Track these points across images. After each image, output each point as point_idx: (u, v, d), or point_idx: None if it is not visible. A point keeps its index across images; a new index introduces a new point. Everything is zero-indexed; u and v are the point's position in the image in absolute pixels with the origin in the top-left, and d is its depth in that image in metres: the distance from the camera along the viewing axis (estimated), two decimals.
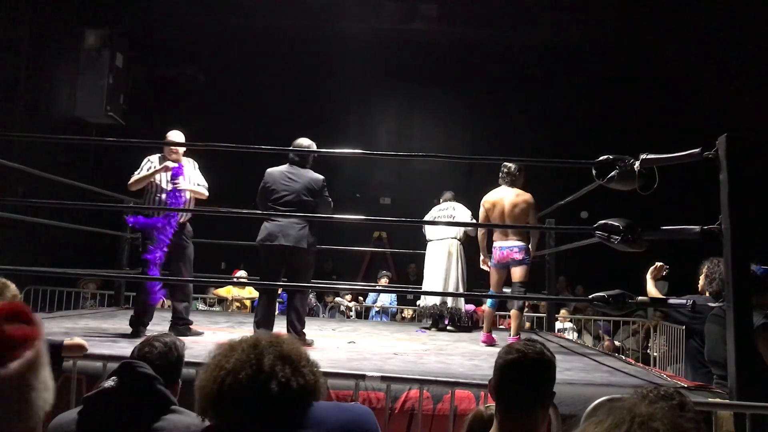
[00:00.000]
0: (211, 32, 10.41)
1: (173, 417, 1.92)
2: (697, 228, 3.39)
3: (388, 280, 9.24)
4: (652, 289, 4.40)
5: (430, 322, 6.72)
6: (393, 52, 10.93)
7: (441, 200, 6.81)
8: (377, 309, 8.84)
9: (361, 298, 9.20)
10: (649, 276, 4.43)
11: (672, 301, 4.06)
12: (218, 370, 1.51)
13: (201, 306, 8.70)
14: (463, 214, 6.50)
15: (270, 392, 1.47)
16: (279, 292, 5.66)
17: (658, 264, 4.43)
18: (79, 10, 9.35)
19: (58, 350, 2.88)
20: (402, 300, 9.53)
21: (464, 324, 6.70)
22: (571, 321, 8.23)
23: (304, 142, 4.84)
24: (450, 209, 6.58)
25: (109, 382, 1.95)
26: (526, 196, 5.45)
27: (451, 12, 10.35)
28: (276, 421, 1.49)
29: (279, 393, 1.48)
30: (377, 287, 8.96)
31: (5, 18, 7.99)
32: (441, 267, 6.49)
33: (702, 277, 4.16)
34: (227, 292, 8.64)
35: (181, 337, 2.43)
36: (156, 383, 1.96)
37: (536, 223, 5.72)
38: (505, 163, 5.54)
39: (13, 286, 3.06)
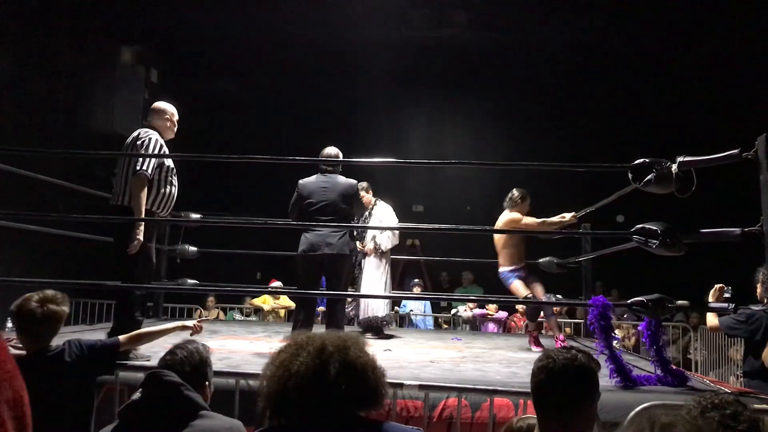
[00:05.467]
0: (242, 45, 10.53)
1: (201, 422, 1.92)
2: (737, 230, 3.33)
3: (420, 289, 9.22)
4: (711, 315, 4.29)
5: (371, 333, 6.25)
6: (423, 59, 10.93)
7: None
8: (413, 316, 8.83)
9: (396, 307, 9.19)
10: (710, 299, 4.21)
11: (714, 305, 3.99)
12: (282, 370, 1.51)
13: (237, 316, 8.79)
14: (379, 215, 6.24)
15: (331, 402, 1.48)
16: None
17: (718, 286, 4.22)
18: (116, 27, 9.55)
19: (110, 351, 2.88)
20: (436, 308, 9.50)
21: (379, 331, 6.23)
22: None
23: (332, 150, 5.02)
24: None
25: (137, 394, 1.99)
26: (504, 219, 5.59)
27: (481, 18, 10.32)
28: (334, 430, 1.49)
29: (340, 403, 1.49)
30: (410, 295, 8.95)
31: (44, 36, 8.21)
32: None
33: (759, 285, 4.03)
34: (264, 302, 8.71)
35: None
36: (183, 390, 1.97)
37: (520, 237, 5.70)
38: (513, 190, 5.73)
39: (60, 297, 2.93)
